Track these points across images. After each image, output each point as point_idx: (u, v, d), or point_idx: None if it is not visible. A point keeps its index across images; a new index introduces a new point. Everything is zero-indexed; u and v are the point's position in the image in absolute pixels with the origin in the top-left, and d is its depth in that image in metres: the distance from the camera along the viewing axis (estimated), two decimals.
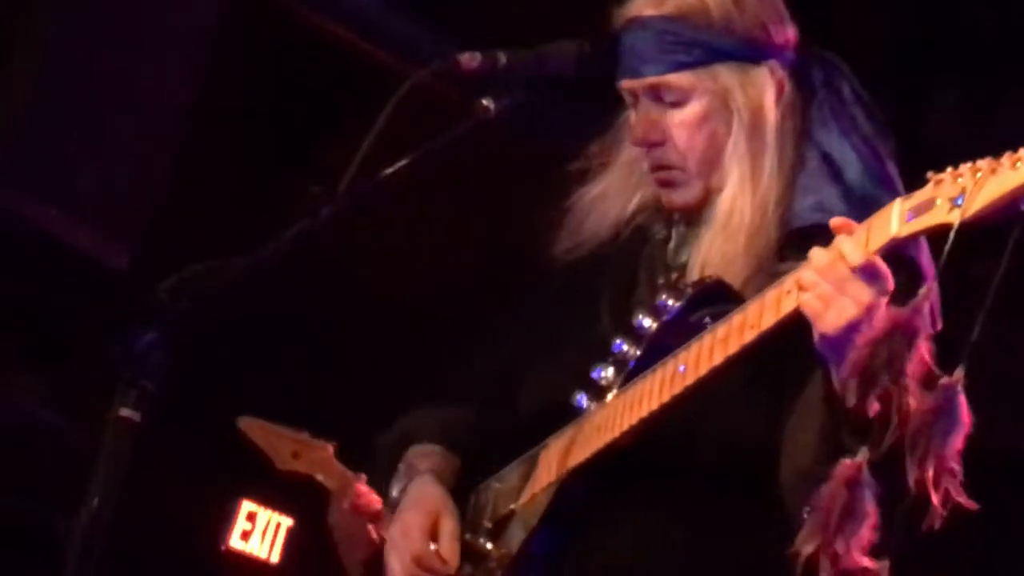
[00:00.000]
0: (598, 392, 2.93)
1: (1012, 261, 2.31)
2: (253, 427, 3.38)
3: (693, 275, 2.94)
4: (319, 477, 3.30)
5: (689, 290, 2.89)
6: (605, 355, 2.94)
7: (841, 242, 2.55)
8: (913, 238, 2.50)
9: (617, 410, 2.85)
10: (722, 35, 2.94)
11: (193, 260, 2.70)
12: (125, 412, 2.55)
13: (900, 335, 2.36)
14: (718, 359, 2.69)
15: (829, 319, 2.53)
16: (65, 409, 5.76)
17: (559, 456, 2.94)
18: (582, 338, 3.02)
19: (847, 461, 2.37)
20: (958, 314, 2.36)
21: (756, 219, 2.90)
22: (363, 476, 3.22)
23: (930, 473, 2.30)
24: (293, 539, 6.33)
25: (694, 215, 3.01)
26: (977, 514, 2.35)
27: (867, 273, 2.52)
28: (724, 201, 2.93)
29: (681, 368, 2.75)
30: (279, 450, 3.35)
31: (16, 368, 6.00)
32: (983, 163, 2.40)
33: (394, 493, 3.16)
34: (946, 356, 2.38)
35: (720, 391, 2.75)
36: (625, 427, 2.81)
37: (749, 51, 2.96)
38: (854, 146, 2.93)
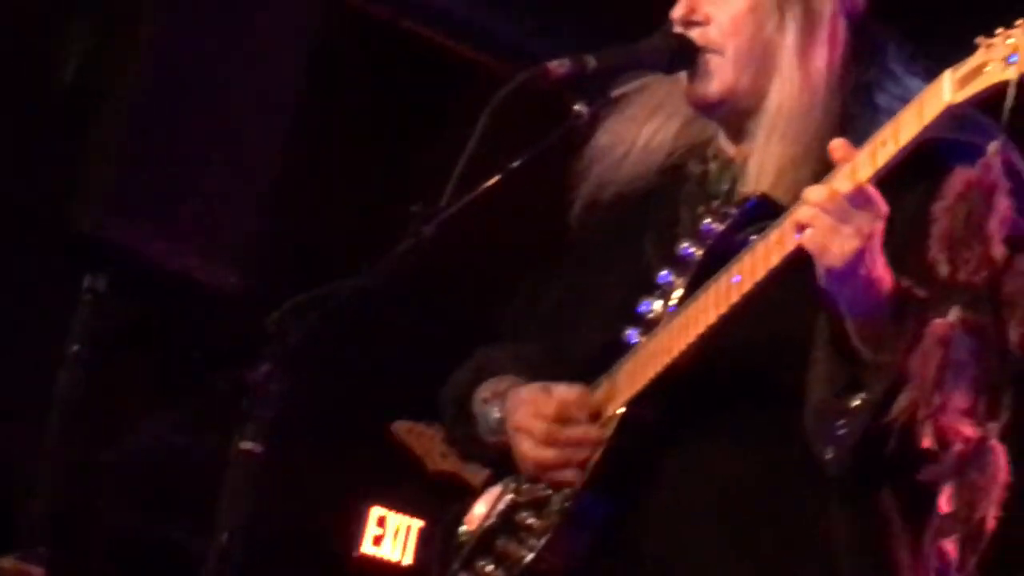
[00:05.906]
0: (648, 324, 2.87)
1: None
2: (404, 430, 3.34)
3: (748, 189, 2.86)
4: (464, 474, 3.23)
5: (733, 210, 2.85)
6: (651, 288, 2.89)
7: (834, 176, 2.54)
8: (969, 103, 2.48)
9: (672, 333, 2.79)
10: None
11: (302, 276, 2.69)
12: (246, 445, 2.56)
13: (976, 193, 2.35)
14: (775, 260, 2.65)
15: (834, 251, 2.52)
16: (197, 433, 5.83)
17: (618, 388, 2.87)
18: (626, 276, 2.96)
19: (939, 320, 2.37)
20: None
21: (810, 119, 2.82)
22: None
23: None
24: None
25: (734, 130, 2.94)
26: None
27: (861, 200, 2.52)
28: (771, 104, 2.86)
29: (736, 279, 2.70)
30: (430, 451, 3.31)
31: (149, 395, 6.09)
32: None
33: (490, 438, 3.00)
34: None
35: (771, 300, 2.70)
36: (683, 346, 2.76)
37: None
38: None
